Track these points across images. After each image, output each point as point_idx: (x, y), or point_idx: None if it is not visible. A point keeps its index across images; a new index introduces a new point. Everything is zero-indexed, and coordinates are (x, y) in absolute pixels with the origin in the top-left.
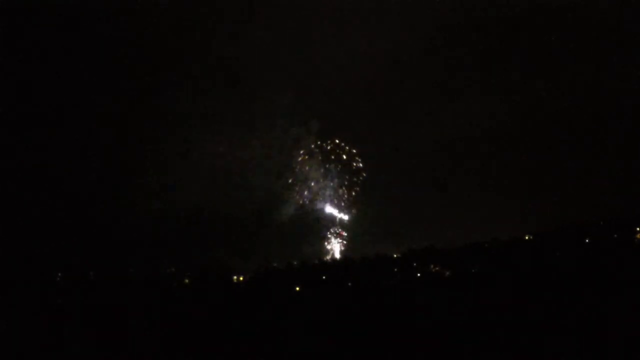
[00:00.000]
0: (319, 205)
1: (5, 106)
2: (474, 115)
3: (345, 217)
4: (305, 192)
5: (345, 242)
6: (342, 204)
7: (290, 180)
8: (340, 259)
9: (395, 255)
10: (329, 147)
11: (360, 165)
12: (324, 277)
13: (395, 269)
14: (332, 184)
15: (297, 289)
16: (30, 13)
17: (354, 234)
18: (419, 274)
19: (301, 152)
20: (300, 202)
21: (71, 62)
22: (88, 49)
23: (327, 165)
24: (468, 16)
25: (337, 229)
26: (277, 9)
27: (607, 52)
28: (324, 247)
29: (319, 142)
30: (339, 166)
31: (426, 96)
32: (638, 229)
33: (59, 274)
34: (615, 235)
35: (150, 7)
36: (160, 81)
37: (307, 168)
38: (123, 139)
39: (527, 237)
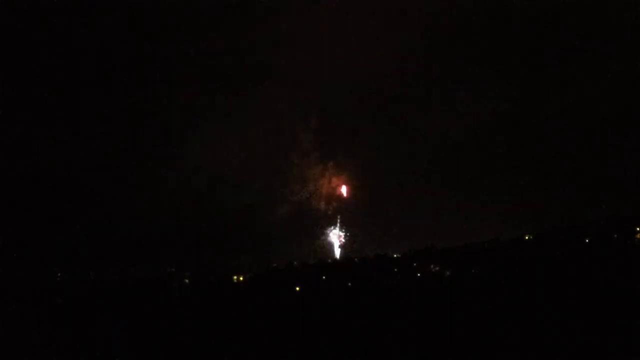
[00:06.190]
0: (316, 204)
1: (2, 106)
2: (474, 114)
3: (345, 217)
4: (303, 191)
5: (344, 242)
6: (341, 203)
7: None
8: (340, 259)
9: (395, 255)
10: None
11: None
12: (324, 277)
13: (395, 269)
14: (330, 182)
15: (297, 289)
16: (27, 12)
17: (353, 233)
18: (419, 274)
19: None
20: (298, 200)
21: (66, 62)
22: (81, 48)
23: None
24: (468, 14)
25: (336, 229)
26: (276, 5)
27: (607, 50)
28: (323, 247)
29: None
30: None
31: (426, 94)
32: (638, 229)
33: (59, 274)
34: (615, 235)
35: (145, 5)
36: (156, 80)
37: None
38: (118, 139)
39: (527, 237)
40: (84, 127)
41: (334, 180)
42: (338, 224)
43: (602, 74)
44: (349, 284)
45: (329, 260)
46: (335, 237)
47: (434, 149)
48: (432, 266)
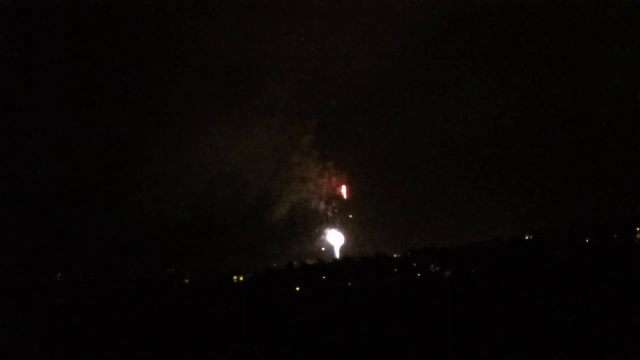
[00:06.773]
0: (316, 204)
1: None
2: (474, 114)
3: (345, 217)
4: (303, 191)
5: (344, 242)
6: (341, 203)
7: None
8: (340, 259)
9: (395, 255)
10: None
11: None
12: (324, 277)
13: (395, 269)
14: (329, 182)
15: (297, 289)
16: (25, 12)
17: (353, 233)
18: (419, 274)
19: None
20: (298, 201)
21: (66, 63)
22: (80, 48)
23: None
24: (469, 14)
25: (336, 229)
26: (276, 5)
27: (608, 51)
28: (323, 247)
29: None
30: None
31: (426, 95)
32: (638, 229)
33: (59, 274)
34: (615, 235)
35: (144, 4)
36: (155, 80)
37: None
38: (118, 139)
39: (527, 237)
40: (84, 128)
41: (334, 180)
42: (338, 224)
43: (602, 75)
44: (349, 284)
45: (329, 260)
46: (335, 237)
47: (434, 150)
48: (432, 266)
